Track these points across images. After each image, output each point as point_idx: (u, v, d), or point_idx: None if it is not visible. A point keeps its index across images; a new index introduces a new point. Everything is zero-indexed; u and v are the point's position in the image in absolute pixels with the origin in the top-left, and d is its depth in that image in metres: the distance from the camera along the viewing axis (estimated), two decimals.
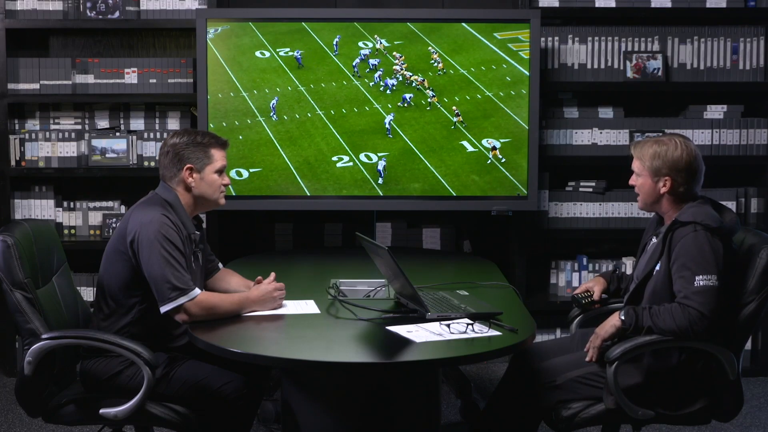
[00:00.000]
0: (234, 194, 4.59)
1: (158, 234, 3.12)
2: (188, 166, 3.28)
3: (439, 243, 5.10)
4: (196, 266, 3.36)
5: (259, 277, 3.38)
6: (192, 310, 3.10)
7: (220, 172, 3.32)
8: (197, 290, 3.13)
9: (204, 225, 4.82)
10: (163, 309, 3.10)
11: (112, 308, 3.24)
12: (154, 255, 3.10)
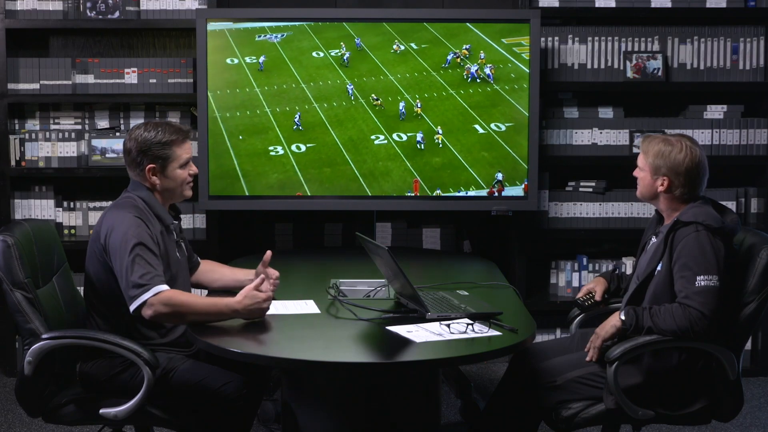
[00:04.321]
0: (236, 194, 4.61)
1: (126, 236, 3.10)
2: (149, 166, 3.25)
3: (439, 243, 5.10)
4: (180, 255, 3.35)
5: (261, 275, 3.24)
6: (155, 305, 3.03)
7: (185, 164, 3.30)
8: (162, 286, 3.06)
9: (204, 225, 4.85)
10: (131, 308, 3.07)
11: (101, 306, 3.23)
12: (122, 258, 3.08)
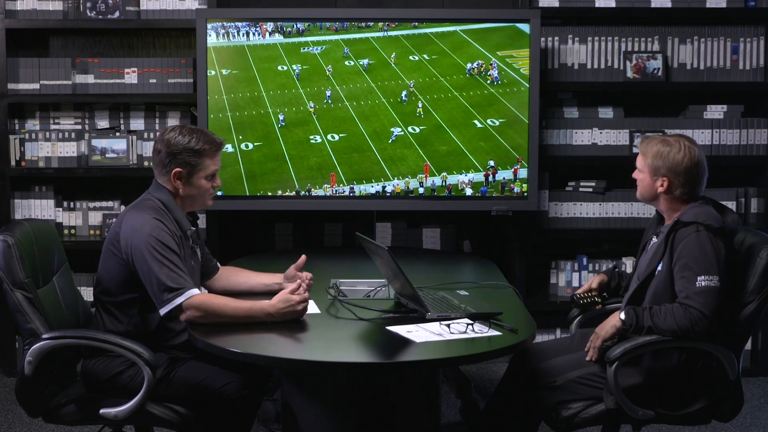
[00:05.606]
0: (236, 194, 4.63)
1: (150, 238, 3.09)
2: (176, 170, 3.23)
3: (439, 243, 5.10)
4: (194, 263, 3.35)
5: (299, 280, 3.26)
6: (190, 309, 3.06)
7: (212, 176, 3.29)
8: (195, 290, 3.09)
9: (204, 225, 4.85)
10: (162, 312, 3.09)
11: (112, 306, 3.23)
12: (147, 261, 3.08)
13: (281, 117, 4.70)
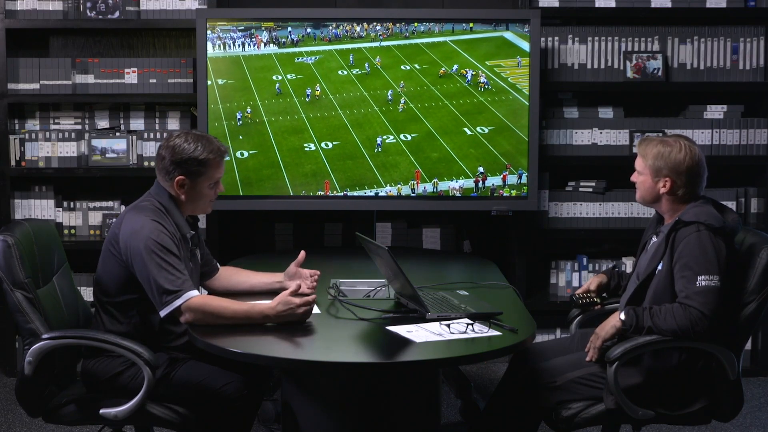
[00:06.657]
0: (235, 194, 4.63)
1: (148, 240, 3.09)
2: (179, 179, 3.23)
3: (439, 243, 5.10)
4: (193, 264, 3.35)
5: (298, 282, 3.26)
6: (188, 312, 3.06)
7: (215, 183, 3.29)
8: (193, 292, 3.08)
9: (204, 225, 4.85)
10: (162, 314, 3.10)
11: (111, 307, 3.23)
12: (145, 263, 3.08)
13: (239, 115, 4.73)
